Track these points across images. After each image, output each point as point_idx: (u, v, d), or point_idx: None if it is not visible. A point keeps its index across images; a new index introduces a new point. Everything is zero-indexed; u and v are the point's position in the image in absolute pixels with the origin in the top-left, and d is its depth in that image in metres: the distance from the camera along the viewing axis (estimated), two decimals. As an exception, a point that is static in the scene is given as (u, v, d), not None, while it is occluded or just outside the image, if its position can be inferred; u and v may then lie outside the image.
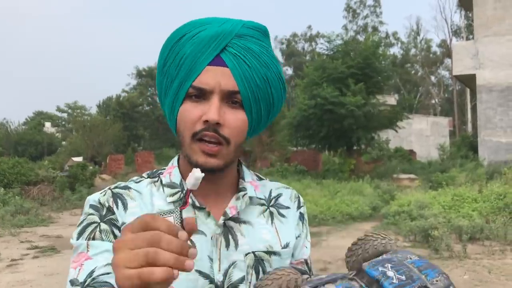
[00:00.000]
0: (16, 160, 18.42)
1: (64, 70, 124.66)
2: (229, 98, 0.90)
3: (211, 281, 0.93)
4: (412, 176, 18.56)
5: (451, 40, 50.20)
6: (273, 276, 0.80)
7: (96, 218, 0.93)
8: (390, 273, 0.61)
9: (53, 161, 28.68)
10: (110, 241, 0.91)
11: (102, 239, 0.91)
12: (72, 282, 0.86)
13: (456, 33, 51.55)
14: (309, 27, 64.44)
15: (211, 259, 0.93)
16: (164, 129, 43.49)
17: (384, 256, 0.66)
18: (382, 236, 0.78)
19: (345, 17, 55.18)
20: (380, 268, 0.62)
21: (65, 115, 59.69)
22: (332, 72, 20.34)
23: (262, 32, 0.96)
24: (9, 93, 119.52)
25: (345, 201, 12.57)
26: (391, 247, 0.75)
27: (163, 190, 0.99)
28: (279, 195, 1.09)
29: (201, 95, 0.90)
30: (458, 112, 47.66)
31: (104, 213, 0.94)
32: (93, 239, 0.91)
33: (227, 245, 0.95)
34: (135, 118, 42.31)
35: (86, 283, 0.85)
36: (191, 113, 0.90)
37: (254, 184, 1.06)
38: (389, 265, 0.63)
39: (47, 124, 57.34)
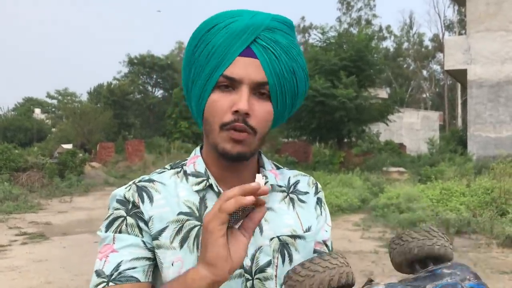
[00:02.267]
0: (5, 146, 18.26)
1: (55, 56, 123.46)
2: (257, 89, 0.93)
3: (241, 266, 0.95)
4: (401, 169, 18.68)
5: (443, 34, 50.39)
6: (316, 267, 0.69)
7: (123, 212, 0.96)
8: None
9: (42, 147, 28.51)
10: (136, 235, 0.94)
11: (128, 233, 0.93)
12: (98, 274, 0.89)
13: (448, 27, 51.73)
14: (303, 18, 64.34)
15: None
16: (155, 118, 43.32)
17: (446, 272, 0.63)
18: (440, 235, 0.73)
19: (339, 9, 55.08)
20: None
21: (55, 101, 59.12)
22: (324, 64, 20.33)
23: (289, 26, 0.98)
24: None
25: (335, 193, 12.63)
26: (451, 254, 0.73)
27: (187, 180, 1.01)
28: (297, 182, 1.11)
29: (231, 85, 0.92)
30: (449, 106, 47.96)
31: (130, 207, 0.96)
32: (120, 232, 0.94)
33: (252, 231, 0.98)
34: (126, 106, 42.01)
35: (113, 277, 0.88)
36: (221, 103, 0.92)
37: (274, 173, 1.08)
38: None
39: (37, 111, 56.82)
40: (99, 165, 24.48)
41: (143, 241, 0.93)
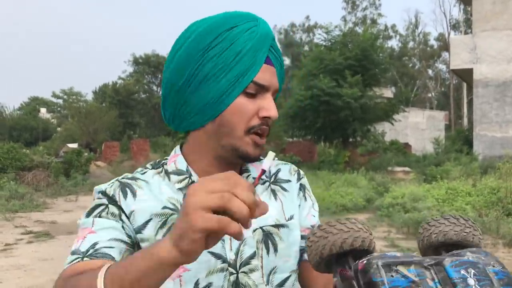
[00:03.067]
0: (11, 145, 18.35)
1: (61, 56, 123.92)
2: (274, 95, 0.98)
3: (224, 260, 0.95)
4: (406, 169, 18.64)
5: (449, 34, 50.19)
6: (331, 229, 0.65)
7: (105, 201, 0.96)
8: (471, 282, 0.54)
9: (48, 147, 28.60)
10: (116, 221, 0.93)
11: (108, 218, 0.93)
12: (73, 252, 0.88)
13: (454, 27, 51.51)
14: (307, 17, 64.30)
15: (222, 239, 0.95)
16: (160, 117, 43.33)
17: (470, 255, 0.58)
18: (469, 224, 0.70)
19: (344, 9, 55.05)
20: (462, 271, 0.55)
21: (60, 101, 59.31)
22: (329, 63, 20.31)
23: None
24: (5, 78, 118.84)
25: (340, 193, 12.61)
26: (479, 242, 0.69)
27: (169, 178, 1.01)
28: (278, 171, 1.12)
29: (257, 91, 0.94)
30: (454, 106, 47.75)
31: (111, 200, 0.96)
32: (100, 217, 0.93)
33: None
34: (131, 106, 42.13)
35: (88, 253, 0.86)
36: (248, 108, 0.94)
37: (255, 166, 1.09)
38: (473, 271, 0.56)
39: (43, 110, 57.08)
40: (104, 164, 24.53)
41: (122, 226, 0.93)
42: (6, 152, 17.46)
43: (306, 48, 51.86)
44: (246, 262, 0.96)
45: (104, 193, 0.97)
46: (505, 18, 19.17)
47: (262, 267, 0.97)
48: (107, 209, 0.94)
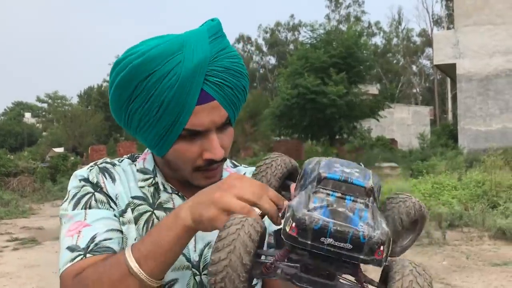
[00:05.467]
0: (-5, 151, 18.12)
1: (45, 59, 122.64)
2: (221, 127, 0.91)
3: (188, 260, 0.95)
4: (393, 164, 18.73)
5: (432, 29, 50.63)
6: (268, 161, 0.80)
7: (90, 189, 0.94)
8: (347, 169, 0.63)
9: (33, 152, 28.33)
10: (107, 209, 0.93)
11: (99, 208, 0.92)
12: (72, 249, 0.86)
13: (437, 22, 52.01)
14: (292, 16, 64.36)
15: None
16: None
17: (323, 160, 0.66)
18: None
19: (327, 7, 55.22)
20: (338, 170, 0.62)
21: (45, 105, 58.79)
22: (314, 61, 20.38)
23: (221, 32, 0.92)
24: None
25: (328, 190, 12.65)
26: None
27: (135, 176, 1.01)
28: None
29: (196, 134, 0.89)
30: (439, 101, 48.23)
31: (95, 187, 0.95)
32: (90, 208, 0.92)
33: None
34: (117, 108, 41.85)
35: (90, 249, 0.85)
36: (189, 152, 0.90)
37: (228, 171, 1.08)
38: (338, 164, 0.64)
39: (27, 115, 56.54)
40: (91, 168, 24.35)
41: (114, 214, 0.93)
42: (-10, 158, 17.23)
43: (291, 47, 52.00)
44: None
45: (87, 180, 0.95)
46: (486, 13, 19.39)
47: None
48: (93, 197, 0.93)
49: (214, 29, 0.90)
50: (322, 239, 0.57)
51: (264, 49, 59.99)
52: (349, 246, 0.57)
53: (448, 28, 40.24)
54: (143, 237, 0.80)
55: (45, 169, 18.91)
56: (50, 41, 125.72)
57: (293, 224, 0.58)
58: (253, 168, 1.12)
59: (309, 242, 0.57)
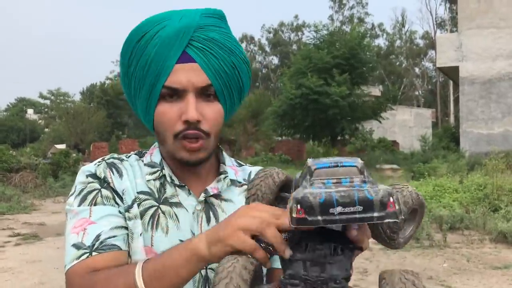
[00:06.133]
0: (-3, 146, 18.15)
1: (47, 56, 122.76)
2: (203, 93, 0.92)
3: None
4: (394, 166, 18.75)
5: (435, 32, 50.58)
6: (263, 174, 0.79)
7: (97, 185, 0.95)
8: (334, 158, 0.64)
9: (35, 148, 28.38)
10: (112, 206, 0.94)
11: (104, 204, 0.93)
12: (78, 246, 0.87)
13: (440, 25, 51.98)
14: (296, 16, 64.38)
15: (193, 233, 0.96)
16: (148, 117, 43.08)
17: (310, 159, 0.67)
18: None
19: (331, 8, 55.20)
20: (325, 160, 0.63)
21: (48, 101, 58.84)
22: (317, 62, 20.39)
23: (220, 18, 0.96)
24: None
25: (329, 191, 12.64)
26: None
27: (142, 170, 1.02)
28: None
29: (175, 94, 0.91)
30: (441, 104, 48.17)
31: (102, 182, 0.96)
32: (95, 204, 0.93)
33: (208, 220, 0.99)
34: (119, 106, 41.89)
35: (95, 247, 0.87)
36: (169, 114, 0.92)
37: (234, 169, 1.09)
38: (325, 158, 0.65)
39: (30, 111, 56.57)
40: (93, 165, 24.36)
41: (119, 211, 0.94)
42: (-8, 154, 17.27)
43: (294, 47, 51.97)
44: None
45: (94, 175, 0.97)
46: (490, 16, 19.38)
47: None
48: (100, 194, 0.94)
49: (210, 11, 0.96)
50: (331, 210, 0.57)
51: (267, 49, 60.02)
52: (359, 208, 0.57)
53: (452, 31, 40.24)
54: (156, 256, 0.83)
55: (47, 165, 18.92)
56: (53, 38, 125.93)
57: (298, 206, 0.58)
58: (258, 168, 1.15)
59: (320, 218, 0.57)
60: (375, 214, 0.57)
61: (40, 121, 54.58)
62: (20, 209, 12.64)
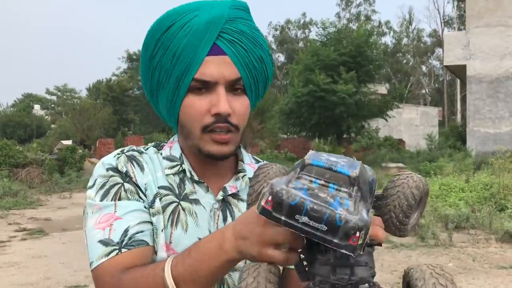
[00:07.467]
0: (5, 142, 18.25)
1: (54, 52, 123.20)
2: (232, 86, 0.91)
3: None
4: (400, 165, 18.68)
5: (443, 30, 50.34)
6: (265, 169, 0.75)
7: (119, 179, 0.93)
8: (333, 158, 0.61)
9: (42, 144, 28.52)
10: (137, 200, 0.92)
11: (129, 199, 0.91)
12: (106, 243, 0.86)
13: (448, 23, 51.67)
14: (304, 14, 64.18)
15: (210, 232, 0.94)
16: (154, 114, 43.01)
17: (311, 151, 0.65)
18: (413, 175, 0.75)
19: (338, 5, 55.04)
20: (323, 158, 0.61)
21: (54, 97, 59.12)
22: (324, 59, 20.35)
23: (246, 10, 0.96)
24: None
25: (334, 189, 12.64)
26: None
27: (161, 163, 1.00)
28: None
29: (204, 87, 0.90)
30: (448, 102, 47.94)
31: (124, 176, 0.94)
32: (120, 199, 0.91)
33: (225, 219, 0.98)
34: (125, 102, 42.01)
35: (124, 243, 0.86)
36: (198, 107, 0.90)
37: (252, 166, 1.08)
38: (326, 154, 0.62)
39: (36, 107, 56.82)
40: (99, 161, 24.47)
41: (144, 206, 0.92)
42: (-1, 149, 17.37)
43: (301, 44, 51.86)
44: None
45: (115, 169, 0.94)
46: (498, 15, 19.24)
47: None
48: (123, 188, 0.92)
49: (237, 3, 0.95)
50: (297, 216, 0.55)
51: (274, 46, 59.95)
52: (323, 227, 0.55)
53: (459, 29, 39.98)
54: (184, 257, 0.78)
55: (53, 161, 19.02)
56: (61, 34, 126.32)
57: (269, 198, 0.57)
58: None
59: (283, 218, 0.56)
60: (335, 240, 0.55)
61: (47, 117, 54.78)
62: (26, 204, 12.73)
